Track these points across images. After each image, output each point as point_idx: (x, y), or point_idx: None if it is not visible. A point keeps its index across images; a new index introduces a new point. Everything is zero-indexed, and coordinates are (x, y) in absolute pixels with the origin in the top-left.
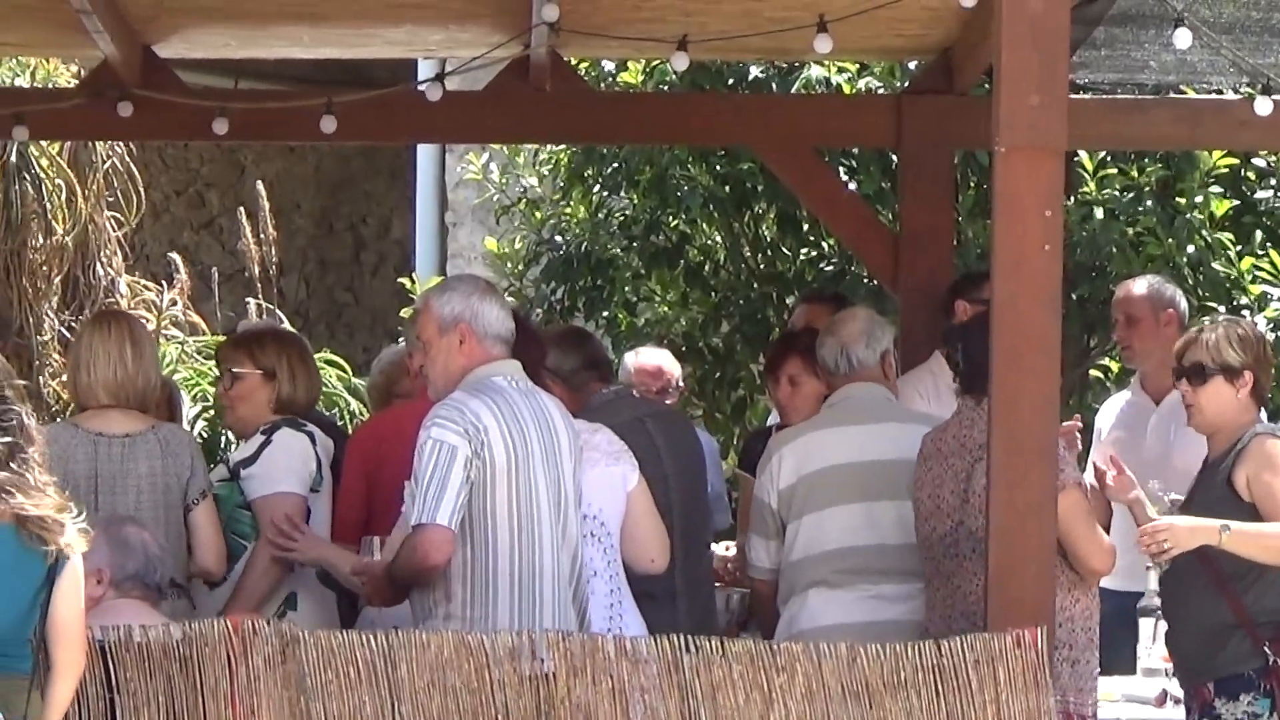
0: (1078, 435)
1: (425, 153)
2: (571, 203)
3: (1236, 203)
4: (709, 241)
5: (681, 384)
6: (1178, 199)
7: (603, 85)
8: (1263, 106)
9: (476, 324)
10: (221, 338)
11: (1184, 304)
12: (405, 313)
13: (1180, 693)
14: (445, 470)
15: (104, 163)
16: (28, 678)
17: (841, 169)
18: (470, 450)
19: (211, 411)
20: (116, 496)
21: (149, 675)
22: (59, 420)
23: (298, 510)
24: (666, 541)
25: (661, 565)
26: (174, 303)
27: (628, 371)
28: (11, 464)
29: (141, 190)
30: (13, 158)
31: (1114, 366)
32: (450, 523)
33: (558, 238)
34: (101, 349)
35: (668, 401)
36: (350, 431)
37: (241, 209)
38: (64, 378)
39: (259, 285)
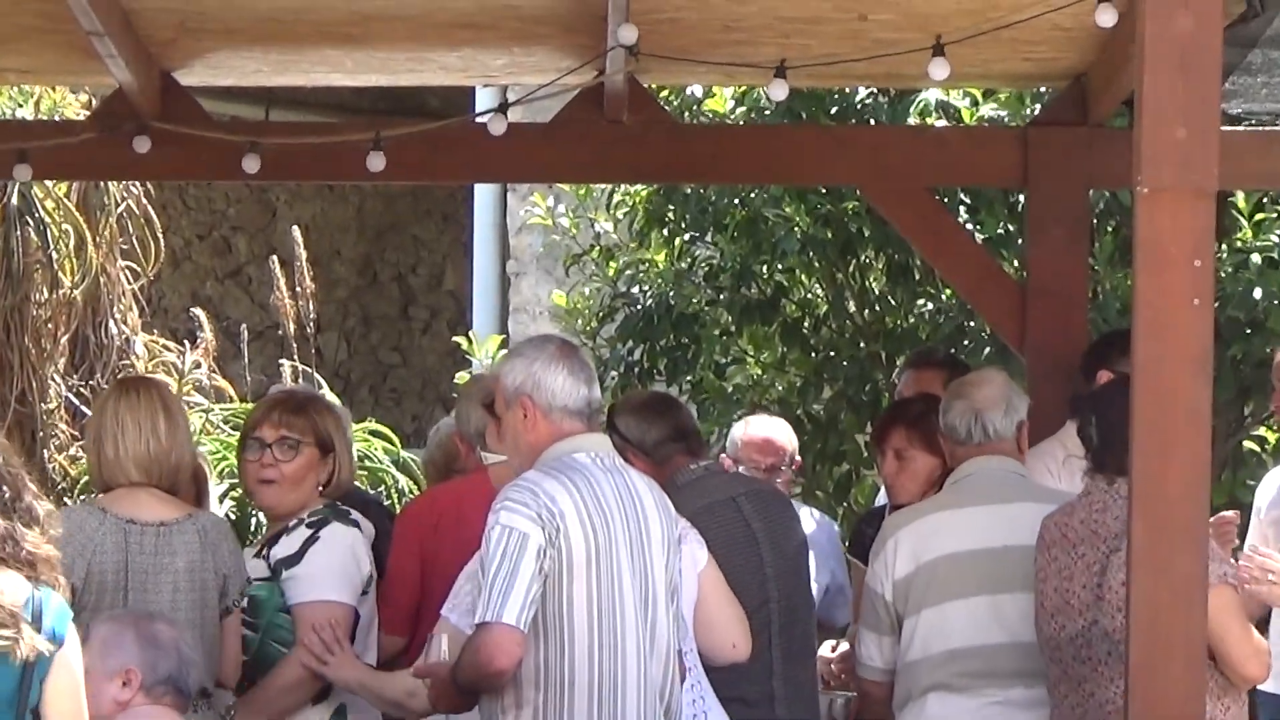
0: (1234, 527)
1: (484, 193)
2: (651, 250)
3: None
4: (808, 294)
5: (798, 459)
6: None
7: (687, 116)
8: None
9: (539, 396)
10: (249, 405)
11: None
12: (460, 377)
13: None
14: (515, 561)
15: (118, 205)
16: None
17: (960, 211)
18: (544, 538)
19: (239, 490)
20: (149, 594)
21: None
22: (81, 501)
23: (343, 622)
24: (746, 624)
25: (744, 651)
26: (197, 364)
27: (735, 445)
28: None
29: (160, 236)
30: (14, 200)
31: (1271, 438)
32: (519, 621)
33: (635, 290)
34: (130, 419)
35: (778, 481)
36: (399, 510)
37: (274, 257)
38: (71, 452)
39: (294, 344)
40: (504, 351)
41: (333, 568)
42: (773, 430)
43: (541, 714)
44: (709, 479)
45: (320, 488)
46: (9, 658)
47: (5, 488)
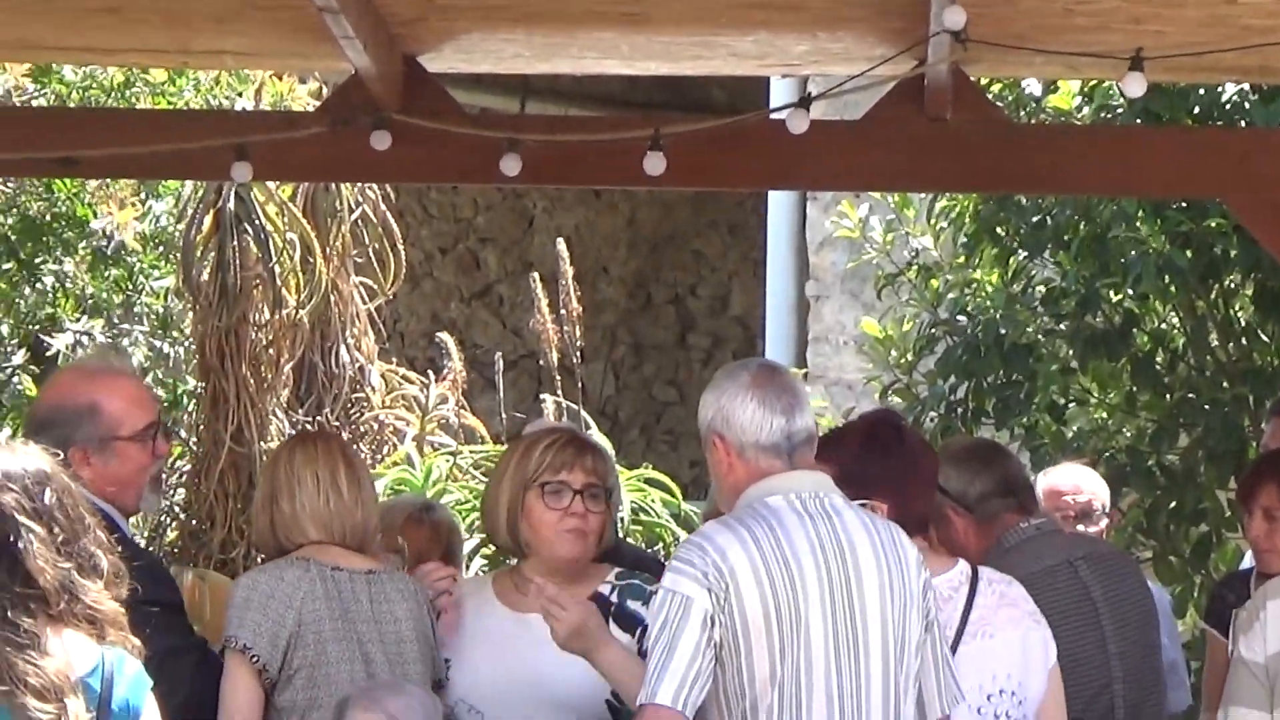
0: None
1: (779, 202)
2: (979, 269)
3: None
4: (1162, 324)
5: (1109, 509)
6: None
7: (1024, 114)
8: None
9: (729, 433)
10: (502, 448)
11: None
12: None
13: None
14: (675, 630)
15: (351, 211)
16: None
17: None
18: (711, 602)
19: (491, 547)
20: (379, 647)
21: None
22: (282, 560)
23: None
24: None
25: None
26: (443, 399)
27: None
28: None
29: (400, 248)
30: (230, 205)
31: None
32: (676, 702)
33: (960, 317)
34: (309, 473)
35: (1090, 530)
36: None
37: (534, 274)
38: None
39: (555, 375)
40: None
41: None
42: (1078, 476)
43: None
44: (1042, 540)
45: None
46: None
47: (58, 529)
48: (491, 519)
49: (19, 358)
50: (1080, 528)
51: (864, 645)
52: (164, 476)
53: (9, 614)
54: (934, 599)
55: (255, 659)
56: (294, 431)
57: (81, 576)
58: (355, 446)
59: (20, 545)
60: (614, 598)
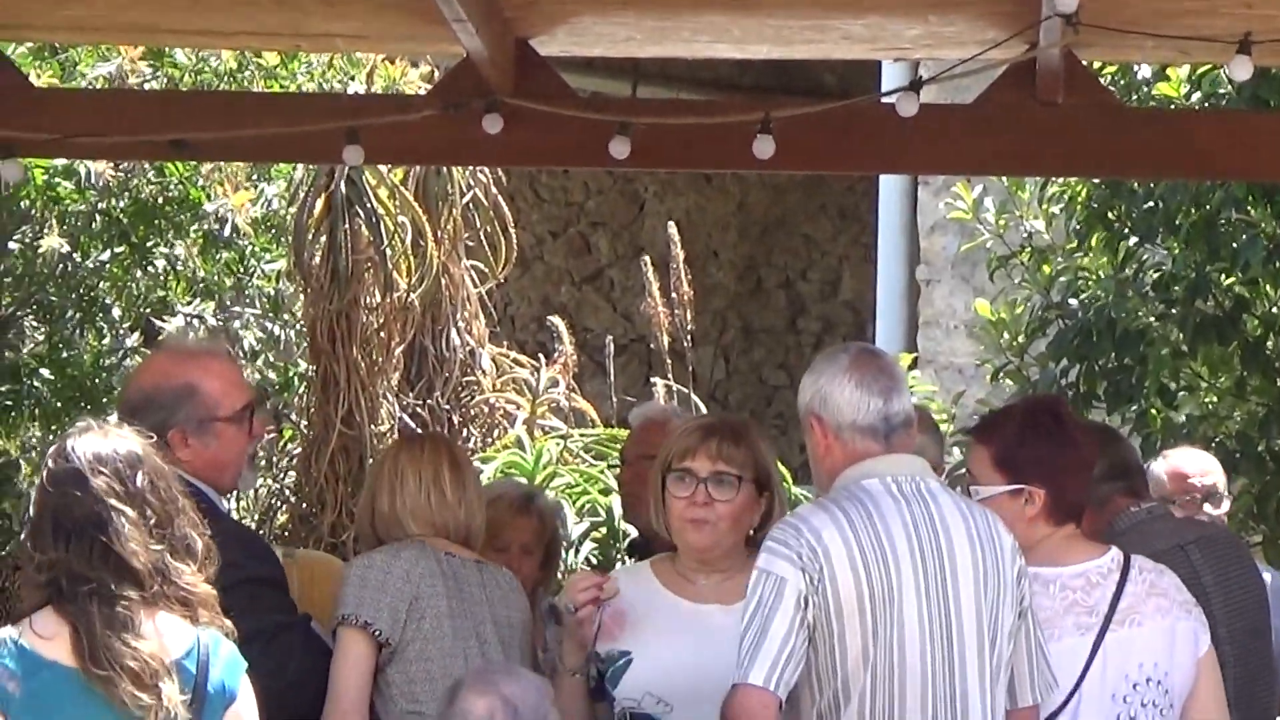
0: None
1: (890, 186)
2: (1090, 254)
3: None
4: (1273, 309)
5: (1228, 493)
6: None
7: (1135, 99)
8: None
9: (826, 413)
10: (614, 431)
11: None
12: None
13: None
14: (769, 611)
15: (463, 195)
16: None
17: None
18: (805, 583)
19: (605, 530)
20: (492, 629)
21: None
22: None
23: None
24: None
25: None
26: (554, 382)
27: (1159, 482)
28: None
29: (511, 232)
30: (342, 188)
31: None
32: (768, 683)
33: (1071, 300)
34: (411, 470)
35: (1214, 512)
36: None
37: (645, 258)
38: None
39: (666, 359)
40: (914, 373)
41: None
42: (1201, 459)
43: None
44: (1153, 524)
45: (752, 531)
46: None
47: (150, 511)
48: (651, 508)
49: (132, 340)
50: (1207, 507)
51: (958, 629)
52: (275, 459)
53: (104, 597)
54: (1029, 586)
55: (378, 633)
56: (404, 415)
57: (174, 559)
58: (465, 430)
59: (112, 529)
60: None
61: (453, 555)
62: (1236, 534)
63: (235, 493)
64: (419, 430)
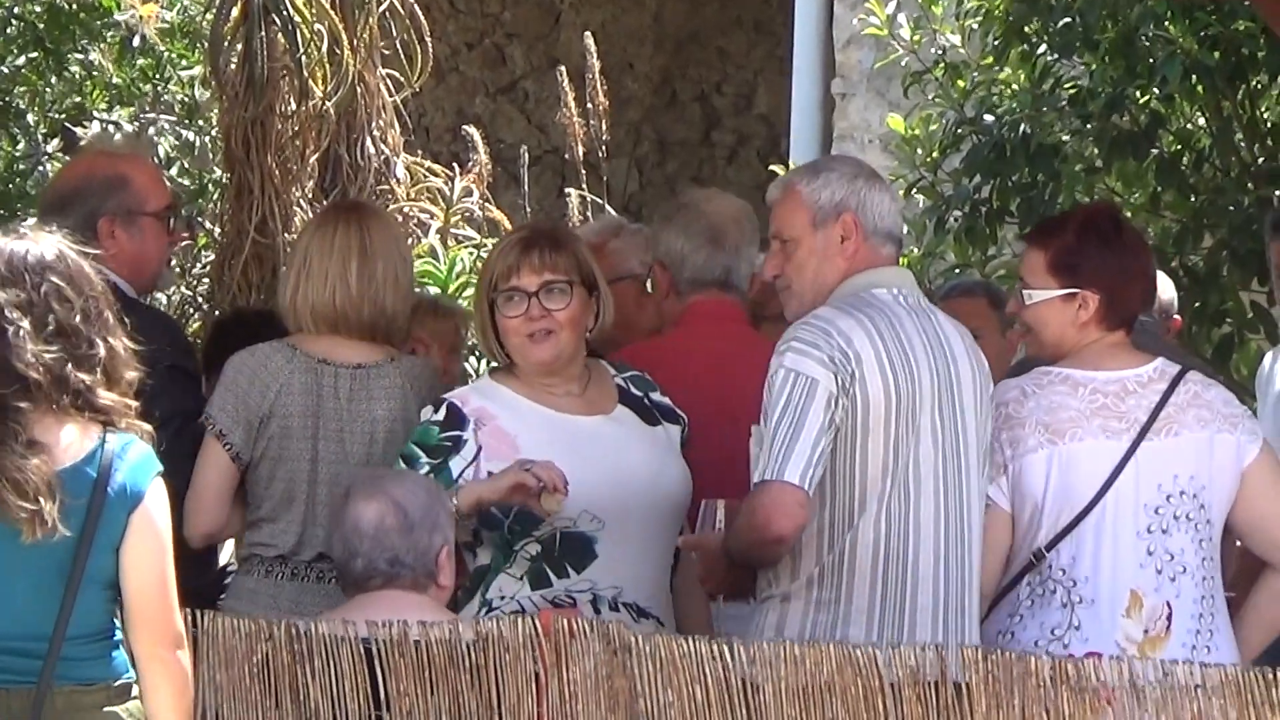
0: None
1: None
2: (1007, 69)
3: None
4: (1189, 125)
5: (1175, 317)
6: None
7: None
8: None
9: (865, 215)
10: None
11: None
12: None
13: None
14: (800, 411)
15: (379, 4)
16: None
17: None
18: (836, 385)
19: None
20: (344, 444)
21: (429, 689)
22: (270, 342)
23: None
24: None
25: None
26: (468, 192)
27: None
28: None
29: (427, 42)
30: None
31: None
32: (803, 481)
33: (987, 116)
34: (319, 264)
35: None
36: None
37: (561, 69)
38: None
39: (580, 172)
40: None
41: None
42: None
43: (817, 587)
44: (1141, 339)
45: (589, 332)
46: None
47: (54, 319)
48: (479, 333)
49: (51, 147)
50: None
51: (964, 441)
52: (188, 267)
53: None
54: None
55: (229, 446)
56: None
57: (81, 368)
58: None
59: (5, 340)
60: (636, 391)
61: (327, 363)
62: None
63: (151, 294)
64: (343, 203)
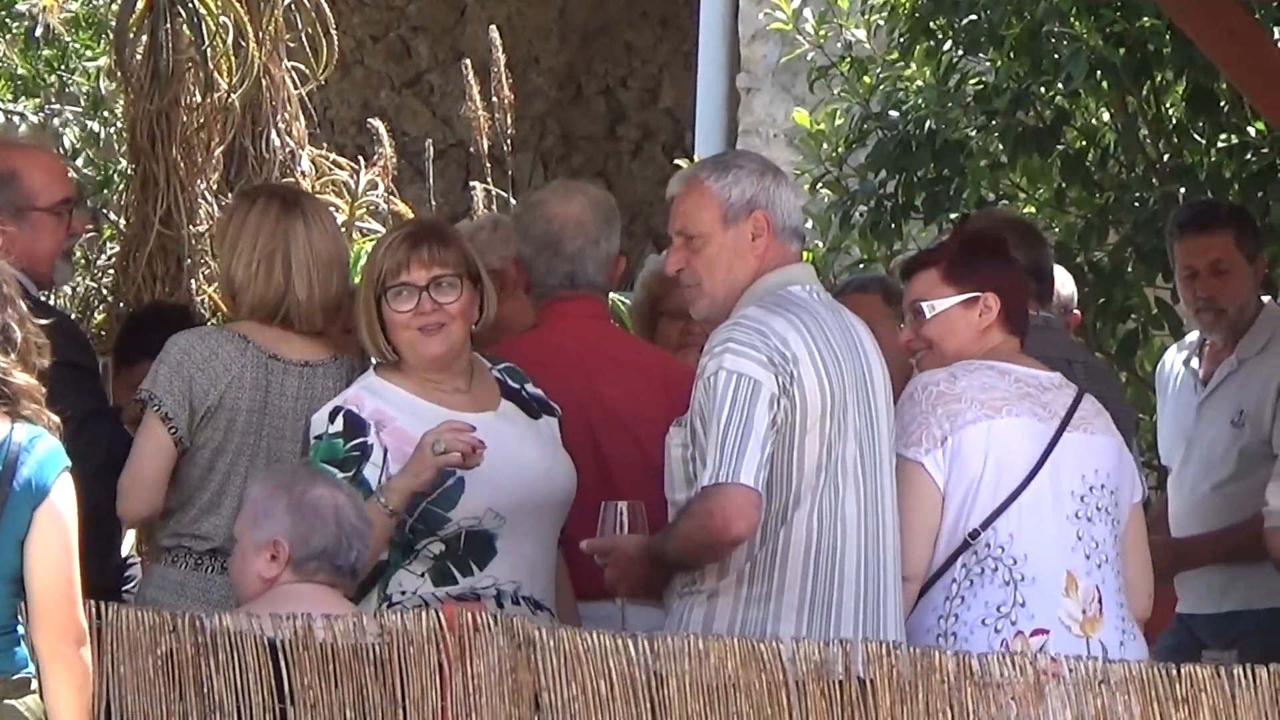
0: None
1: None
2: (912, 65)
3: None
4: (1094, 121)
5: (1075, 311)
6: None
7: None
8: None
9: (775, 212)
10: None
11: None
12: None
13: None
14: (746, 413)
15: None
16: None
17: (1277, 32)
18: (777, 386)
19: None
20: (287, 442)
21: (333, 683)
22: (221, 329)
23: None
24: (1151, 588)
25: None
26: (372, 185)
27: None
28: None
29: (333, 34)
30: None
31: None
32: (757, 482)
33: (892, 112)
34: (247, 244)
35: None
36: None
37: (466, 61)
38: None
39: (486, 165)
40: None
41: None
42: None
43: (748, 584)
44: (1048, 332)
45: (474, 325)
46: None
47: None
48: (364, 331)
49: None
50: None
51: (878, 436)
52: (93, 259)
53: None
54: None
55: (174, 430)
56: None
57: None
58: None
59: None
60: (513, 384)
61: (277, 359)
62: None
63: (51, 290)
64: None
